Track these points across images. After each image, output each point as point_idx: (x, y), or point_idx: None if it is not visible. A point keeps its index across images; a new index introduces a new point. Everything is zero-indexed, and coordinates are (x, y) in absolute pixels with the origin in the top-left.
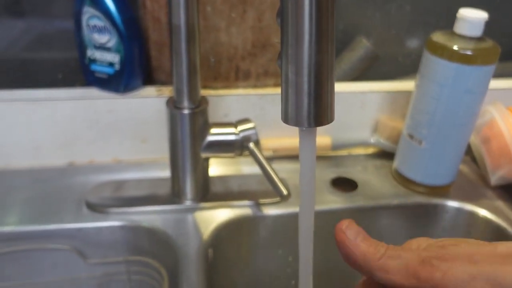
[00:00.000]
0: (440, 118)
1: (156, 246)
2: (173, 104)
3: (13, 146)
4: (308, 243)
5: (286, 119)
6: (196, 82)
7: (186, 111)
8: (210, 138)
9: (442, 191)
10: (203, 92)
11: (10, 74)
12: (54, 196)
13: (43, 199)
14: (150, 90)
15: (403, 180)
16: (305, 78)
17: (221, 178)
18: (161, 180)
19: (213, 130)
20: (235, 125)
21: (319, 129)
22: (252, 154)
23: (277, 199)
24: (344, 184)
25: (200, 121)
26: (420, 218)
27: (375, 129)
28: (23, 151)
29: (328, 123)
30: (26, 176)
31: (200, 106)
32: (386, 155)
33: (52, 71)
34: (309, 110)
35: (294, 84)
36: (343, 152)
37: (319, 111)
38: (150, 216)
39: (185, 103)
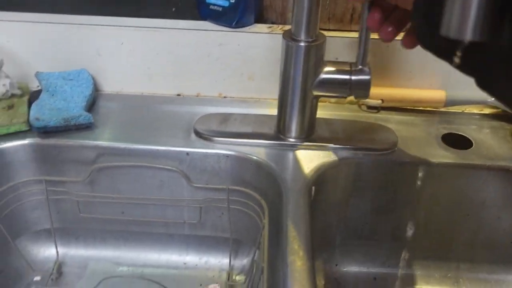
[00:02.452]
0: None
1: (259, 178)
2: (289, 36)
3: (128, 72)
4: None
5: (447, 29)
6: (316, 15)
7: (302, 44)
8: (323, 75)
9: None
10: None
11: (127, 4)
12: (164, 121)
13: (154, 123)
14: (261, 27)
15: None
16: None
17: (326, 121)
18: (266, 116)
19: (328, 68)
20: (350, 65)
21: (433, 83)
22: None
23: (385, 146)
24: (456, 142)
25: (315, 55)
26: None
27: None
28: (137, 78)
29: (495, 40)
30: (139, 101)
31: (317, 41)
32: (505, 117)
33: (166, 3)
34: (477, 17)
35: None
36: (456, 109)
37: (489, 20)
38: (254, 148)
39: (303, 35)
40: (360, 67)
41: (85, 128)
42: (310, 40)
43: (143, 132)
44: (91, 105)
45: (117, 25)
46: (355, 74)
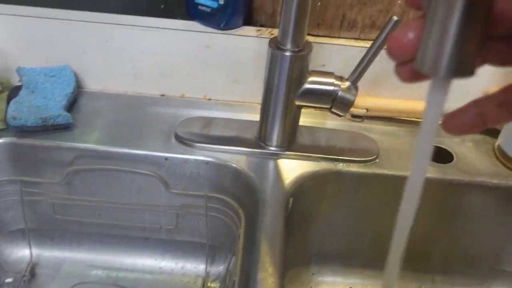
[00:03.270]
0: None
1: (237, 187)
2: (275, 45)
3: (113, 70)
4: (411, 209)
5: (421, 64)
6: (303, 24)
7: (288, 53)
8: (307, 85)
9: None
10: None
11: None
12: (146, 124)
13: (135, 125)
14: (250, 30)
15: (506, 159)
16: (456, 16)
17: (309, 129)
18: (249, 122)
19: (312, 78)
20: (335, 75)
21: (419, 93)
22: None
23: (366, 158)
24: (438, 155)
25: (300, 65)
26: None
27: None
28: (121, 76)
29: (469, 76)
30: (122, 101)
31: (303, 51)
32: (488, 130)
33: (155, 1)
34: (451, 57)
35: (442, 24)
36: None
37: (463, 59)
38: (235, 156)
39: (288, 45)
40: (349, 83)
41: (64, 128)
42: (296, 49)
43: (123, 134)
44: (72, 103)
45: (103, 22)
46: (343, 90)
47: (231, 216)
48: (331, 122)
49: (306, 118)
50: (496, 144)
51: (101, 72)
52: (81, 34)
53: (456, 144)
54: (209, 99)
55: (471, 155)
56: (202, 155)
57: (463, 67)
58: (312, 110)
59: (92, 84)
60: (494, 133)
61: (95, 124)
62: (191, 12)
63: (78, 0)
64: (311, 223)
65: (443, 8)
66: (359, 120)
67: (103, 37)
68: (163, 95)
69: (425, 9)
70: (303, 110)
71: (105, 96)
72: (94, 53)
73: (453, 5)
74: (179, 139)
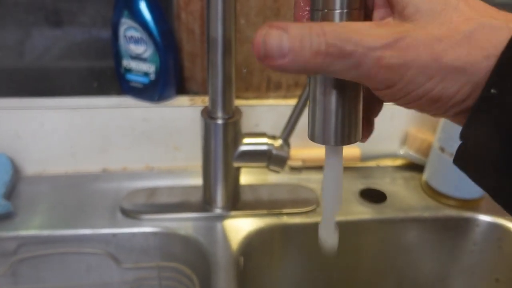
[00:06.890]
0: None
1: (188, 253)
2: (207, 114)
3: (50, 152)
4: None
5: (312, 136)
6: (230, 93)
7: (220, 121)
8: (242, 148)
9: (473, 204)
10: (235, 102)
11: (47, 82)
12: (89, 202)
13: (79, 204)
14: (183, 100)
15: (433, 192)
16: (333, 98)
17: (251, 187)
18: (192, 187)
19: (246, 140)
20: (267, 135)
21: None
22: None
23: (307, 208)
24: (372, 196)
25: (233, 131)
26: (451, 231)
27: (404, 141)
28: (60, 157)
29: (354, 142)
30: (62, 181)
31: (233, 117)
32: (415, 167)
33: (88, 79)
34: (336, 129)
35: (322, 104)
36: (372, 163)
37: (345, 130)
38: (182, 223)
39: (219, 113)
40: (281, 141)
41: (5, 217)
42: (227, 117)
43: (68, 215)
44: (11, 190)
45: (37, 107)
46: (276, 149)
47: (185, 283)
48: (272, 177)
49: (249, 176)
50: (423, 179)
51: (38, 155)
52: (15, 120)
53: (388, 184)
54: (152, 169)
55: (402, 193)
56: (149, 226)
57: (349, 136)
58: (252, 168)
59: (30, 168)
60: (420, 169)
61: (37, 208)
62: (124, 89)
63: (6, 86)
64: (264, 279)
65: (321, 90)
66: (297, 172)
67: (38, 121)
68: (104, 170)
69: (308, 83)
70: (244, 169)
71: (45, 179)
72: (30, 137)
73: (327, 89)
74: (125, 212)
